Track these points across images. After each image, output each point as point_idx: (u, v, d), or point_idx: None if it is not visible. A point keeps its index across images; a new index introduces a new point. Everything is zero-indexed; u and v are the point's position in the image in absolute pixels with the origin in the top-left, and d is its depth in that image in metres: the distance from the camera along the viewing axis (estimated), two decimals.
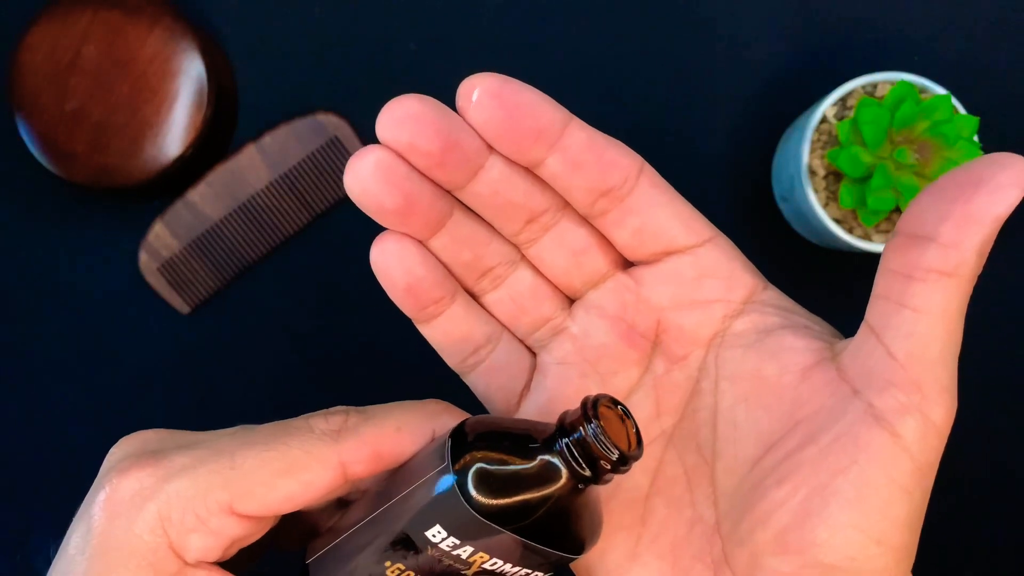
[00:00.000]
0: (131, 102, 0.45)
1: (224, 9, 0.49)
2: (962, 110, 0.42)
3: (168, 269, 0.48)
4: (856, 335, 0.24)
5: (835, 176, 0.43)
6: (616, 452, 0.22)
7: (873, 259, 0.44)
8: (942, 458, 0.23)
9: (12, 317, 0.49)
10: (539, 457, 0.23)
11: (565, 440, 0.22)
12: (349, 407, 0.27)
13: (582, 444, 0.22)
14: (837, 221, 0.43)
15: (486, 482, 0.22)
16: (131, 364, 0.49)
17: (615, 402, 0.23)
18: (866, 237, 0.43)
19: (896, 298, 0.22)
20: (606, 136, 0.25)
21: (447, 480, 0.23)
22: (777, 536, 0.23)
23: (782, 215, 0.48)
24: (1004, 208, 0.21)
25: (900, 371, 0.22)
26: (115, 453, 0.26)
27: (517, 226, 0.26)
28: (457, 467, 0.22)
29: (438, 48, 0.49)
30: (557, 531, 0.23)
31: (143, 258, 0.48)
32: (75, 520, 0.25)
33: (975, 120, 0.41)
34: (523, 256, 0.28)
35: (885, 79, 0.43)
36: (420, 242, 0.26)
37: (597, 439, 0.22)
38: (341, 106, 0.49)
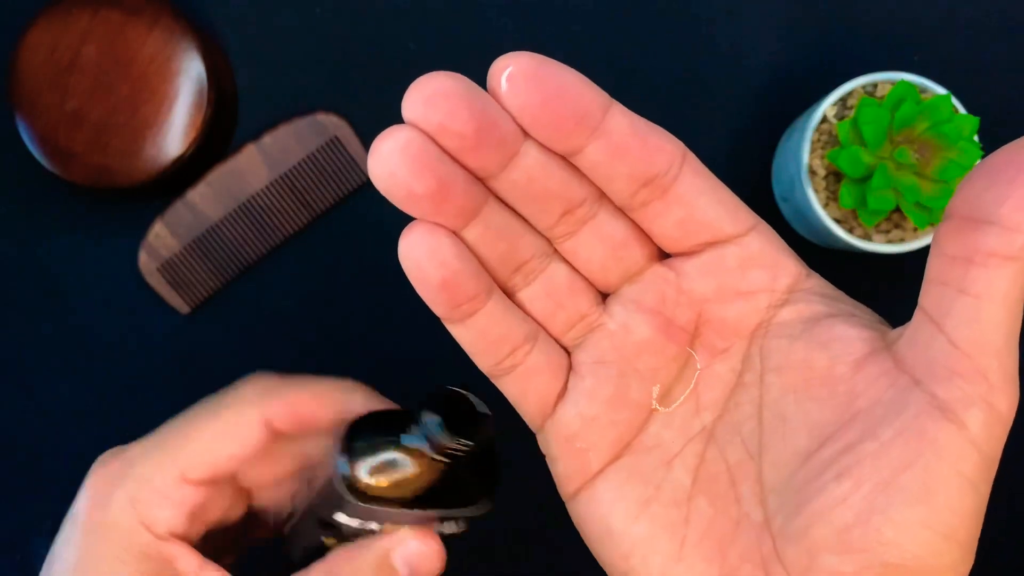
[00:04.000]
0: (131, 102, 0.45)
1: (224, 9, 0.49)
2: (962, 110, 0.42)
3: (168, 269, 0.48)
4: (911, 323, 0.23)
5: (835, 176, 0.43)
6: (456, 441, 0.26)
7: (873, 259, 0.44)
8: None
9: (12, 317, 0.49)
10: (403, 446, 0.27)
11: (418, 430, 0.26)
12: (276, 375, 0.31)
13: (429, 434, 0.26)
14: (837, 221, 0.43)
15: (368, 473, 0.27)
16: (131, 364, 0.49)
17: (460, 392, 0.27)
18: (866, 237, 0.43)
19: (955, 284, 0.21)
20: (647, 121, 0.24)
21: (339, 477, 0.27)
22: (838, 534, 0.22)
23: (782, 215, 0.48)
24: None
25: (964, 360, 0.22)
26: (94, 465, 0.31)
27: (552, 218, 0.25)
28: (344, 465, 0.27)
29: (438, 48, 0.49)
30: (442, 496, 0.28)
31: (143, 258, 0.48)
32: (64, 522, 0.30)
33: (975, 120, 0.41)
34: (555, 249, 0.26)
35: (885, 79, 0.43)
36: (453, 233, 0.24)
37: (440, 429, 0.26)
38: (341, 106, 0.49)
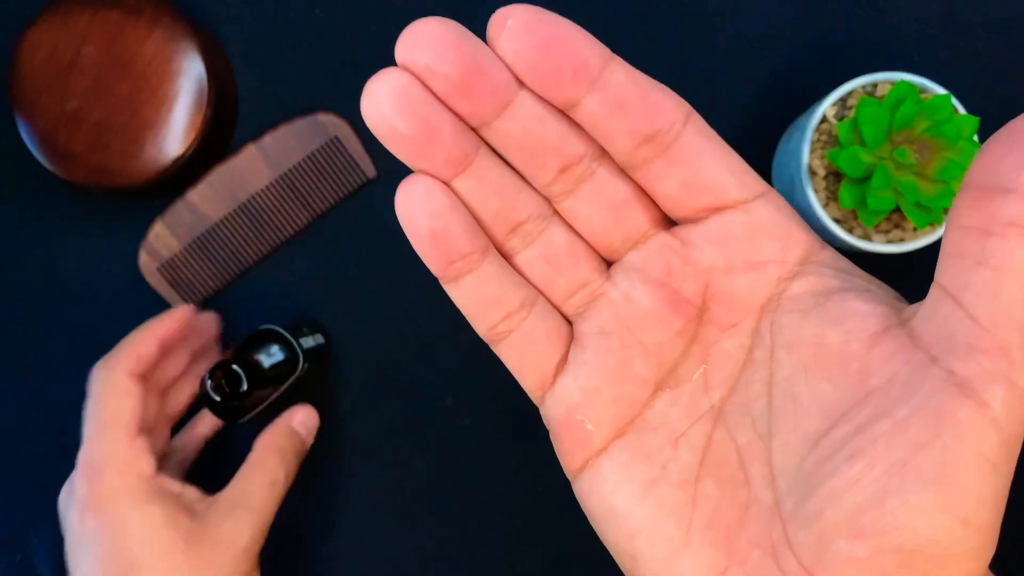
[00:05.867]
0: (131, 102, 0.46)
1: (224, 9, 0.49)
2: (962, 110, 0.42)
3: (168, 269, 0.48)
4: (927, 298, 0.22)
5: (835, 176, 0.43)
6: (211, 398, 0.42)
7: (873, 259, 0.44)
8: None
9: (12, 317, 0.49)
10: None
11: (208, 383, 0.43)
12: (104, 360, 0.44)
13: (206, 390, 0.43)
14: (837, 221, 0.43)
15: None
16: None
17: (227, 366, 0.42)
18: (866, 237, 0.43)
19: (972, 256, 0.20)
20: (649, 77, 0.23)
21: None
22: (849, 517, 0.21)
23: None
24: None
25: (984, 335, 0.20)
26: (64, 498, 0.43)
27: (549, 175, 0.24)
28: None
29: None
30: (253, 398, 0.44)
31: (143, 258, 0.48)
32: (72, 534, 0.41)
33: (975, 120, 0.40)
34: (555, 211, 0.25)
35: (885, 79, 0.43)
36: (449, 188, 0.24)
37: (206, 391, 0.42)
38: (341, 106, 0.49)
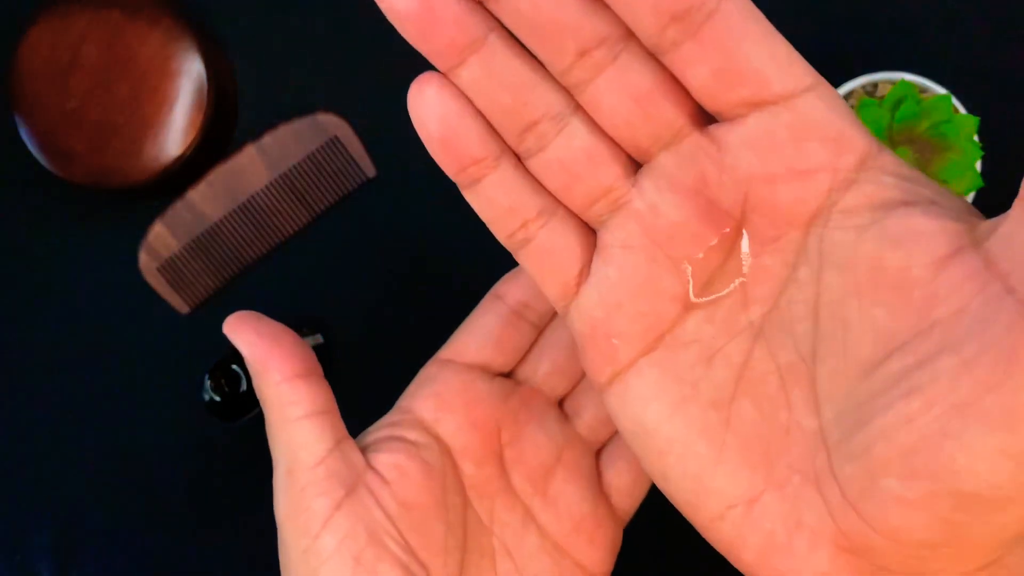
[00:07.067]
0: (131, 102, 0.46)
1: (224, 9, 0.49)
2: (962, 110, 0.42)
3: (168, 269, 0.48)
4: (1007, 216, 0.19)
5: None
6: (211, 398, 0.44)
7: None
8: None
9: (12, 317, 0.49)
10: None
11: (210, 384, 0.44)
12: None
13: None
14: None
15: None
16: (131, 364, 0.49)
17: (227, 366, 0.43)
18: None
19: None
20: None
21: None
22: (902, 456, 0.19)
23: None
24: None
25: None
26: None
27: (567, 59, 0.21)
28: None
29: None
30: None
31: (143, 258, 0.48)
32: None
33: (975, 120, 0.40)
34: (577, 107, 0.22)
35: (885, 79, 0.43)
36: (461, 92, 0.22)
37: (206, 390, 0.43)
38: (341, 106, 0.49)
